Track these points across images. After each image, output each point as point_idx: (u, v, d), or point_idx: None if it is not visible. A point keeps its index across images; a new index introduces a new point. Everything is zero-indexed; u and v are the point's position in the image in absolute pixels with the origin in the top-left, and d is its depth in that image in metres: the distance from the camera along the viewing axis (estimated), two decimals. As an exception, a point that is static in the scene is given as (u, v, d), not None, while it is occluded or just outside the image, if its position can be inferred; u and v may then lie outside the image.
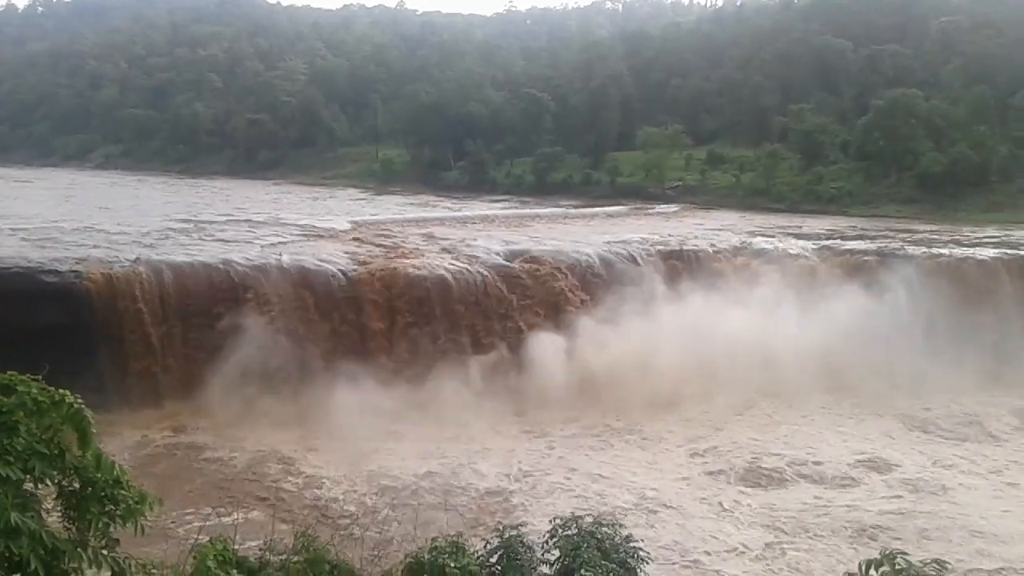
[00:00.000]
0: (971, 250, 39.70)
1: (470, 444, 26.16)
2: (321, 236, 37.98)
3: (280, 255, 31.71)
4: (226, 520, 17.33)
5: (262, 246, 33.92)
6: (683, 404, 29.63)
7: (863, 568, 7.34)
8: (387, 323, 30.33)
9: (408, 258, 33.00)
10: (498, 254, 34.73)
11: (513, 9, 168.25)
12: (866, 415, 30.04)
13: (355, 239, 37.48)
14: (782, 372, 31.15)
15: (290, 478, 23.41)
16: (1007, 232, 45.97)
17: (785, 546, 20.44)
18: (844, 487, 24.06)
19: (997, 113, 62.95)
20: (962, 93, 65.51)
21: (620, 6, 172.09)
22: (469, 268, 32.52)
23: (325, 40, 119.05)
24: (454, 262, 32.90)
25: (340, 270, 30.90)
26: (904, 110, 61.54)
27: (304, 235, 37.91)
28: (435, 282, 31.14)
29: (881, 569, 7.22)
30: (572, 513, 10.01)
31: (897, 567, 7.12)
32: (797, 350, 31.39)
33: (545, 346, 30.61)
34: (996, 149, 58.16)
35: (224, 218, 43.24)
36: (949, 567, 7.27)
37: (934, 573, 7.10)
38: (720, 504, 22.74)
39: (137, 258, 29.62)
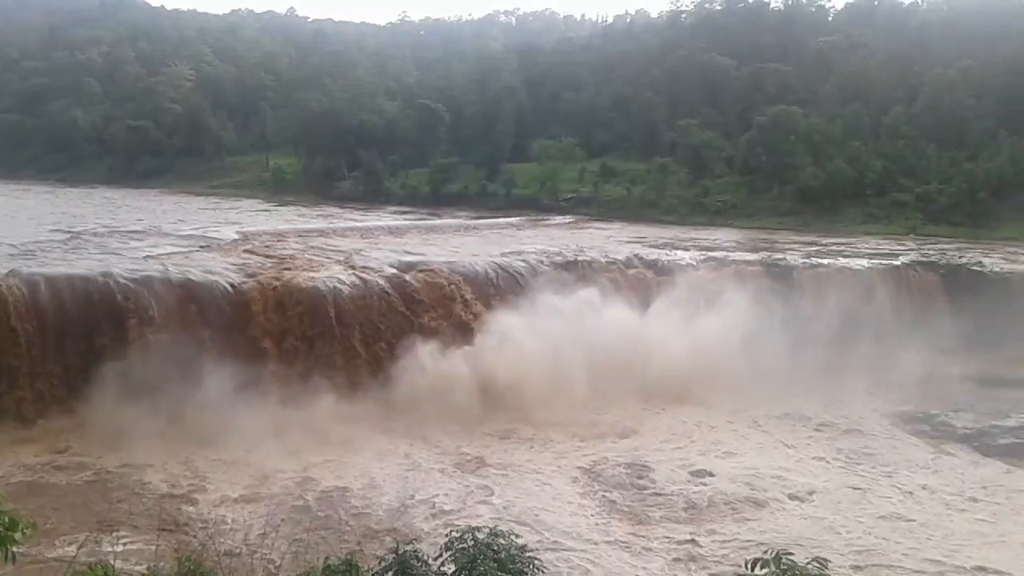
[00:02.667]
0: (848, 260, 41.66)
1: (364, 461, 25.70)
2: (208, 247, 36.83)
3: (164, 266, 30.58)
4: (107, 545, 16.54)
5: (144, 257, 32.64)
6: (580, 413, 30.00)
7: (749, 566, 7.56)
8: (277, 336, 29.54)
9: (300, 269, 32.30)
10: (394, 265, 34.37)
11: (407, 19, 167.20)
12: (752, 421, 31.06)
13: (245, 250, 36.52)
14: (671, 378, 31.99)
15: (175, 499, 22.51)
16: (880, 243, 48.56)
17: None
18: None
19: (871, 130, 66.34)
20: (839, 110, 68.84)
21: (514, 19, 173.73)
22: (363, 279, 32.06)
23: (212, 46, 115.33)
24: (348, 273, 32.39)
25: (228, 282, 29.96)
26: (785, 126, 64.20)
27: (190, 246, 36.69)
28: (328, 294, 30.54)
29: (766, 569, 7.45)
30: (467, 525, 9.93)
31: (783, 566, 7.36)
32: (682, 358, 32.32)
33: (442, 359, 30.45)
34: (870, 164, 61.28)
35: (104, 228, 41.44)
36: (829, 565, 7.55)
37: (816, 571, 7.37)
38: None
39: (10, 271, 28.06)
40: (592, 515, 22.94)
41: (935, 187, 58.37)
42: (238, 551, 15.71)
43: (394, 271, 33.62)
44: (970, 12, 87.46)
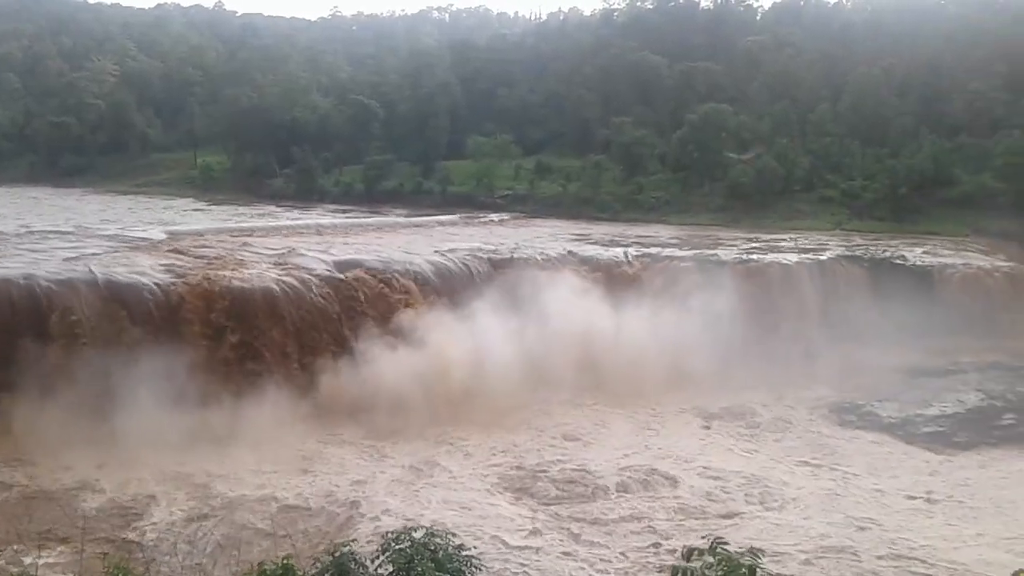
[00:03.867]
0: (778, 255, 42.53)
1: (305, 468, 25.28)
2: (135, 247, 35.79)
3: (90, 268, 29.64)
4: (27, 558, 15.99)
5: (68, 259, 31.56)
6: (517, 414, 29.97)
7: (685, 554, 7.66)
8: (209, 339, 28.80)
9: (232, 270, 31.58)
10: (329, 265, 33.84)
11: (338, 14, 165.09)
12: (691, 415, 31.52)
13: (173, 250, 35.51)
14: (609, 375, 32.27)
15: (101, 509, 21.86)
16: (819, 237, 49.79)
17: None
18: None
19: (798, 127, 67.86)
20: (767, 108, 70.24)
21: (447, 16, 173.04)
22: (298, 280, 31.50)
23: (136, 40, 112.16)
24: (282, 274, 31.80)
25: (156, 283, 29.16)
26: (715, 124, 65.26)
27: (116, 246, 35.61)
28: (261, 295, 29.96)
29: (704, 558, 7.55)
30: (404, 526, 9.86)
31: (718, 556, 7.47)
32: (621, 354, 32.62)
33: (384, 361, 30.02)
34: (798, 161, 62.70)
35: (25, 229, 39.96)
36: (763, 554, 7.68)
37: (750, 561, 7.49)
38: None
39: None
40: (540, 523, 22.42)
41: (860, 183, 59.93)
42: (167, 559, 15.32)
43: (331, 271, 33.15)
44: (892, 12, 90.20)
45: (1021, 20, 71.31)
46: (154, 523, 21.11)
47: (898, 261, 42.34)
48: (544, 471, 25.79)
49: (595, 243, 44.68)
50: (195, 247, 36.86)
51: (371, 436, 27.56)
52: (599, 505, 23.72)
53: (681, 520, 22.76)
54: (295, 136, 77.26)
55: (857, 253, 43.72)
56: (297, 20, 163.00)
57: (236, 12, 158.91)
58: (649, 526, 22.40)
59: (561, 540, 21.66)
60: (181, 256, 34.14)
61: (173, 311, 28.77)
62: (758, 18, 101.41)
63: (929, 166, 58.60)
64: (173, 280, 29.72)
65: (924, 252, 44.66)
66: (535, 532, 21.93)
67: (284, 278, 31.22)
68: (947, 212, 55.54)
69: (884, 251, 44.06)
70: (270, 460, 25.23)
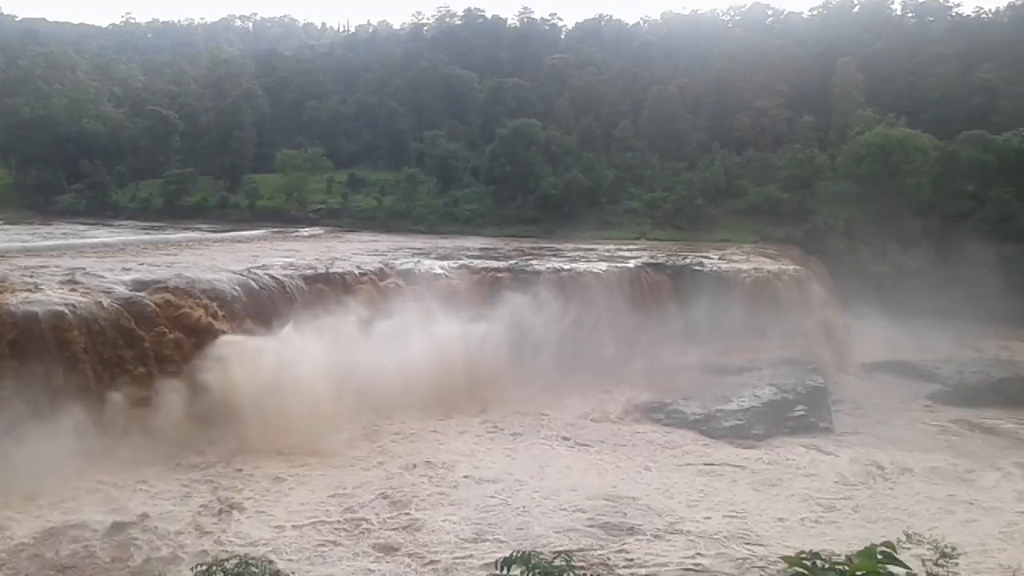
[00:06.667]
0: (589, 264, 43.93)
1: (99, 504, 23.53)
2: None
3: None
4: None
5: None
6: (324, 435, 29.16)
7: (499, 566, 7.65)
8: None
9: (12, 292, 28.87)
10: (128, 284, 31.64)
11: (132, 20, 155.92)
12: (506, 430, 31.94)
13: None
14: (422, 390, 32.15)
15: None
16: (622, 246, 51.79)
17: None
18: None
19: (602, 142, 70.74)
20: (573, 123, 72.72)
21: (251, 25, 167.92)
22: (93, 302, 29.19)
23: None
24: (71, 295, 29.39)
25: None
26: (525, 138, 66.88)
27: None
28: (48, 318, 27.52)
29: (516, 567, 7.57)
30: (215, 557, 9.33)
31: (532, 565, 7.51)
32: (436, 367, 32.60)
33: (185, 385, 28.39)
34: (604, 174, 65.30)
35: None
36: (574, 559, 7.81)
37: (562, 563, 7.59)
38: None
39: None
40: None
41: (660, 195, 63.24)
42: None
43: (126, 290, 31.01)
44: (685, 34, 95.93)
45: (799, 44, 77.60)
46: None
47: (697, 268, 44.70)
48: (370, 503, 25.05)
49: (412, 256, 44.38)
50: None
51: (174, 469, 25.99)
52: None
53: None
54: (84, 149, 72.32)
55: (660, 261, 45.78)
56: (86, 26, 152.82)
57: (16, 16, 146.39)
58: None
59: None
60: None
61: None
62: (562, 36, 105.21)
63: (721, 178, 62.74)
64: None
65: (719, 259, 47.35)
66: None
67: (75, 299, 28.86)
68: (738, 221, 59.60)
69: (684, 258, 46.37)
70: (59, 494, 23.48)
